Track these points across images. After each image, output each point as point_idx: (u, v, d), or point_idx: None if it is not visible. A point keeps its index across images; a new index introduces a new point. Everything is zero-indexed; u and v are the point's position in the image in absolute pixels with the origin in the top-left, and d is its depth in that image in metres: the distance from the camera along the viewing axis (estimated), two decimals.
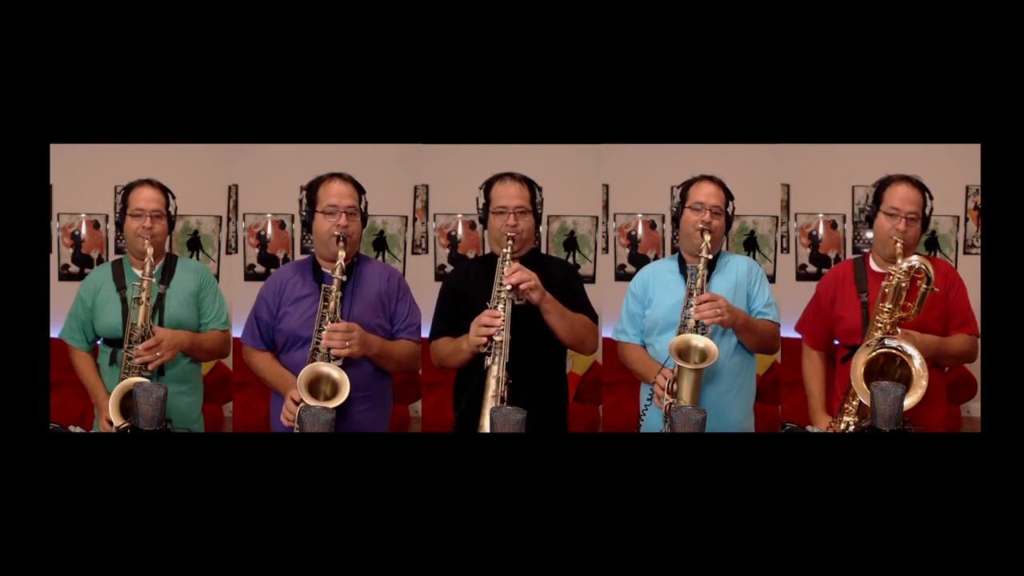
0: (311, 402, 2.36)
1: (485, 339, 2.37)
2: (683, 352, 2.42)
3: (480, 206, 2.63)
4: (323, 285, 2.50)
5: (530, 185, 2.61)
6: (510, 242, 2.50)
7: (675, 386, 2.41)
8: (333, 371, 2.41)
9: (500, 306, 2.41)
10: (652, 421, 2.54)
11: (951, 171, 4.29)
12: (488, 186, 2.62)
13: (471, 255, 4.54)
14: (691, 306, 2.47)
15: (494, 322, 2.37)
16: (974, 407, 4.50)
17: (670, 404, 2.41)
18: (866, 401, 2.38)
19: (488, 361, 2.37)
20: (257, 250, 4.62)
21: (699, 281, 2.49)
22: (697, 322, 2.45)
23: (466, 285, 2.61)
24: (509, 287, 2.41)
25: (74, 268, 4.49)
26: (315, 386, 2.41)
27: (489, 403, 2.32)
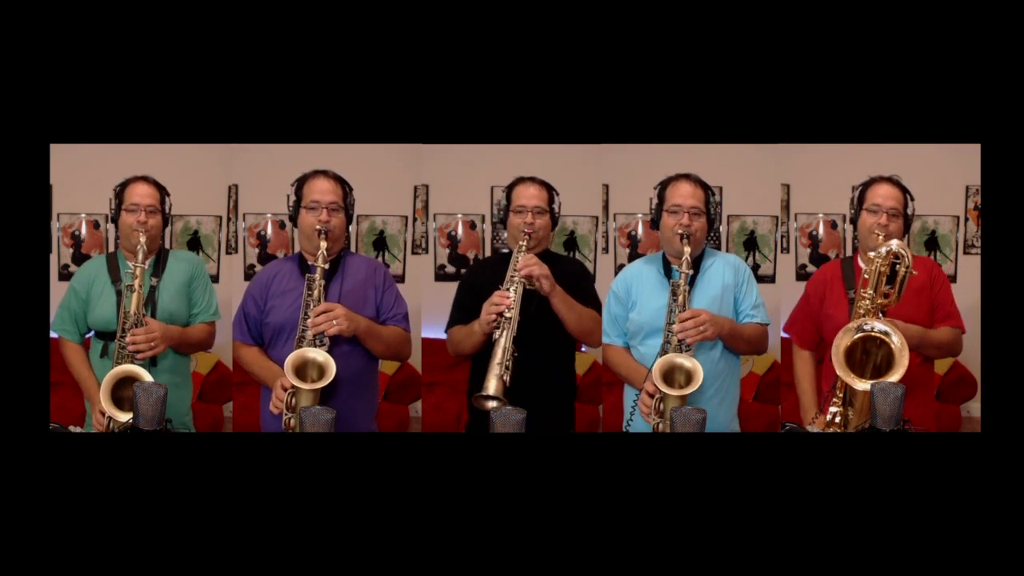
0: (299, 384, 2.40)
1: (495, 316, 2.48)
2: (667, 374, 2.41)
3: (500, 207, 2.75)
4: (307, 275, 2.56)
5: (549, 188, 2.72)
6: (526, 238, 2.61)
7: (661, 405, 2.40)
8: (318, 355, 2.46)
9: (511, 288, 2.52)
10: (638, 427, 2.53)
11: (951, 171, 4.29)
12: (510, 188, 2.73)
13: (471, 255, 4.54)
14: (673, 323, 2.45)
15: (503, 301, 2.49)
16: (974, 407, 4.49)
17: (658, 423, 2.40)
18: (850, 382, 2.39)
19: (496, 334, 2.48)
20: (257, 250, 4.61)
21: (680, 298, 2.47)
22: (680, 340, 2.44)
23: (480, 279, 2.69)
24: (523, 273, 2.52)
25: (74, 268, 4.48)
26: (302, 371, 2.45)
27: (495, 369, 2.43)
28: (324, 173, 2.66)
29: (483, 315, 2.51)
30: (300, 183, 2.66)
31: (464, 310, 2.66)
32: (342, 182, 2.67)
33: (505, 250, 2.80)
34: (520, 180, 2.73)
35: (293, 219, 2.67)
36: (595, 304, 2.69)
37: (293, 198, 2.66)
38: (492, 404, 2.36)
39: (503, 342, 2.45)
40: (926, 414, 2.61)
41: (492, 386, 2.40)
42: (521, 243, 2.60)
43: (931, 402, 2.68)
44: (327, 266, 2.54)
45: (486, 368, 2.47)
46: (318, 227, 2.56)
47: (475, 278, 2.76)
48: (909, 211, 2.61)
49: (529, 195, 2.67)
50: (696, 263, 2.57)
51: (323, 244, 2.53)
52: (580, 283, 2.68)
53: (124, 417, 2.40)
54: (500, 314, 2.48)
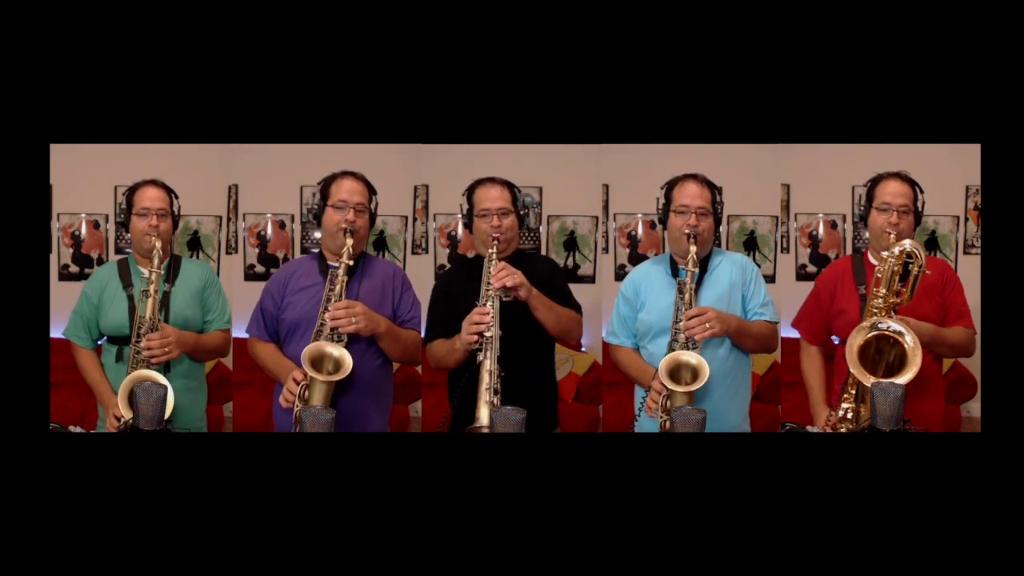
0: (314, 374, 2.39)
1: (476, 336, 2.43)
2: (674, 372, 2.41)
3: (464, 211, 2.69)
4: (330, 269, 2.56)
5: (511, 187, 2.67)
6: (495, 243, 2.56)
7: (669, 403, 2.40)
8: (335, 350, 2.45)
9: (489, 303, 2.47)
10: (646, 426, 2.53)
11: (951, 171, 4.30)
12: (470, 191, 2.67)
13: (471, 255, 4.54)
14: (680, 320, 2.45)
15: (483, 319, 2.44)
16: (974, 407, 4.50)
17: (665, 421, 2.40)
18: (863, 380, 2.40)
19: (480, 356, 2.43)
20: (257, 250, 4.62)
21: (687, 295, 2.47)
22: (688, 337, 2.44)
23: (456, 288, 2.66)
24: (496, 286, 2.47)
25: (74, 268, 4.49)
26: (318, 364, 2.45)
27: (484, 396, 2.38)
28: (352, 174, 2.64)
29: (463, 334, 2.46)
30: (327, 182, 2.64)
31: (443, 322, 2.61)
32: (368, 185, 2.66)
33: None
34: (480, 182, 2.67)
35: (317, 217, 2.65)
36: (571, 300, 2.66)
37: (318, 196, 2.64)
38: (486, 432, 2.33)
39: (488, 365, 2.40)
40: (935, 411, 2.62)
41: (484, 415, 2.35)
42: (491, 251, 2.54)
43: (940, 399, 2.68)
44: (351, 262, 2.53)
45: (469, 382, 2.44)
46: (344, 225, 2.55)
47: (450, 287, 2.70)
48: (919, 205, 2.63)
49: (492, 197, 2.62)
50: (703, 262, 2.57)
51: (349, 241, 2.53)
52: (554, 281, 2.65)
53: None
54: (481, 333, 2.43)
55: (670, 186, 2.63)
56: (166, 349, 2.56)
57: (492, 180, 2.66)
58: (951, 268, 2.71)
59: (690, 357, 2.41)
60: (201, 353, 2.74)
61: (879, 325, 2.43)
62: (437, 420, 2.79)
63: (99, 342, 2.77)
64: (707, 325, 2.42)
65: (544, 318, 2.54)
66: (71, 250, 4.52)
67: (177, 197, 2.76)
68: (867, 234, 2.73)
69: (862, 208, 2.69)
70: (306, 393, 2.42)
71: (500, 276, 2.47)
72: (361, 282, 2.61)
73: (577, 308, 2.67)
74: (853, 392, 2.51)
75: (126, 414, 2.43)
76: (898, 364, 2.41)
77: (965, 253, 4.65)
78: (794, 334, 2.83)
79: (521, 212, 2.68)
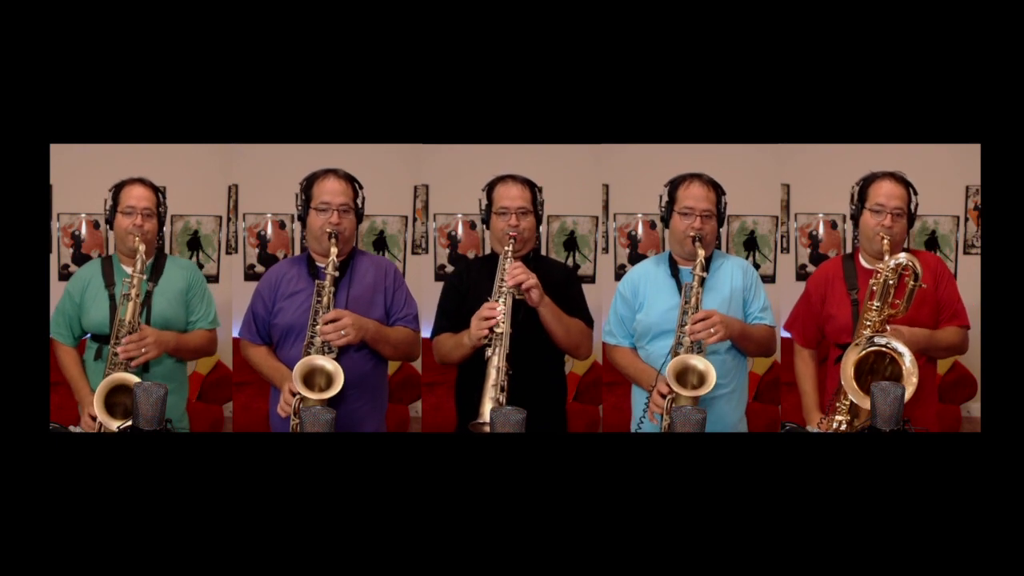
0: (306, 393, 2.38)
1: (486, 331, 2.41)
2: (680, 375, 2.40)
3: (482, 207, 2.65)
4: (316, 281, 2.52)
5: (531, 186, 2.64)
6: (512, 241, 2.53)
7: (673, 405, 2.38)
8: (327, 363, 2.44)
9: (500, 300, 2.45)
10: (648, 429, 2.52)
11: (951, 171, 4.30)
12: (490, 187, 2.65)
13: (471, 255, 4.54)
14: (686, 324, 2.44)
15: (494, 314, 2.42)
16: (974, 407, 4.50)
17: (669, 423, 2.38)
18: (856, 400, 2.39)
19: (488, 352, 2.41)
20: (257, 250, 4.61)
21: (693, 300, 2.45)
22: (693, 341, 2.43)
23: (468, 284, 2.64)
24: (510, 283, 2.45)
25: (74, 268, 4.48)
26: (310, 379, 2.43)
27: (489, 392, 2.37)
28: (334, 172, 2.61)
29: (473, 329, 2.44)
30: (309, 182, 2.61)
31: (451, 317, 2.60)
32: (352, 181, 2.62)
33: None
34: (501, 179, 2.64)
35: (302, 219, 2.63)
36: (583, 312, 2.63)
37: (302, 197, 2.61)
38: (489, 429, 2.32)
39: (496, 361, 2.38)
40: (928, 413, 2.61)
41: (488, 412, 2.33)
42: (507, 248, 2.52)
43: (933, 402, 2.67)
44: (337, 273, 2.51)
45: (477, 378, 2.41)
46: (328, 230, 2.52)
47: (462, 282, 2.67)
48: (912, 207, 2.59)
49: (512, 196, 2.59)
50: (705, 264, 2.54)
51: (334, 250, 2.50)
52: (569, 291, 2.62)
53: (116, 424, 2.40)
54: (491, 329, 2.41)
55: (674, 185, 2.60)
56: (143, 350, 2.55)
57: (513, 178, 2.63)
58: (943, 263, 2.67)
59: (698, 362, 2.40)
60: (183, 352, 2.73)
61: (877, 340, 2.41)
62: (437, 420, 2.79)
63: (84, 337, 2.76)
64: (712, 330, 2.40)
65: (553, 328, 2.51)
66: (71, 250, 4.51)
67: (164, 196, 2.74)
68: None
69: (853, 207, 2.65)
70: (301, 405, 2.39)
71: (515, 274, 2.45)
72: (349, 289, 2.58)
73: (588, 321, 2.63)
74: (847, 404, 2.49)
75: (101, 416, 2.43)
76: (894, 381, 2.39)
77: (965, 253, 4.65)
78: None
79: (541, 212, 2.64)
